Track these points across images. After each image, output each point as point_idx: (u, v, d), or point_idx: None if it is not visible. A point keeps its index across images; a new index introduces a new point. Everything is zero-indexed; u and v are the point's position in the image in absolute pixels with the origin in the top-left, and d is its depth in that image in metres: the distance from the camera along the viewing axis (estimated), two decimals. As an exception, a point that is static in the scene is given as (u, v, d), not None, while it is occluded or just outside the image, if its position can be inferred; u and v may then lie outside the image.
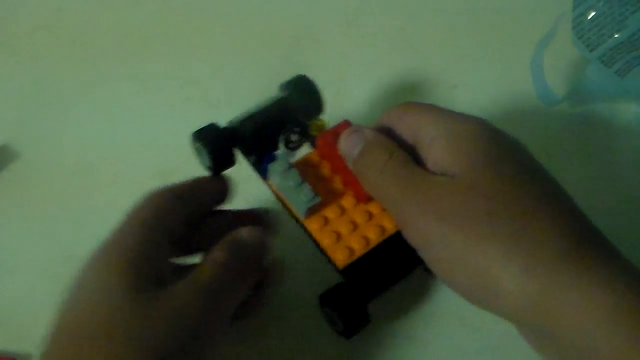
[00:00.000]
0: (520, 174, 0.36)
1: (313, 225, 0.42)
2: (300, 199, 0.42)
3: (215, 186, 0.43)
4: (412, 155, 0.40)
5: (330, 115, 0.56)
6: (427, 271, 0.45)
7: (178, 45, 0.62)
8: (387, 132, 0.41)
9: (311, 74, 0.54)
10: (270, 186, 0.44)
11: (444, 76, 0.58)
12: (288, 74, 0.54)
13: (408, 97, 0.57)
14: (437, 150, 0.38)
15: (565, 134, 0.54)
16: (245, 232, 0.40)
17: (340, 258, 0.41)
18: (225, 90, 0.59)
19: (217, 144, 0.44)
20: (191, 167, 0.54)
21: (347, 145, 0.41)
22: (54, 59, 0.62)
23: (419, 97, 0.57)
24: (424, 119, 0.39)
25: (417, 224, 0.37)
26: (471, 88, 0.57)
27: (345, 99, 0.57)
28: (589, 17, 0.50)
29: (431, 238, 0.36)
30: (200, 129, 0.44)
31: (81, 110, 0.58)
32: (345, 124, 0.44)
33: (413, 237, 0.37)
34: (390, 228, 0.42)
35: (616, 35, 0.50)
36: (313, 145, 0.45)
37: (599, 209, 0.50)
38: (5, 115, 0.58)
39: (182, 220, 0.40)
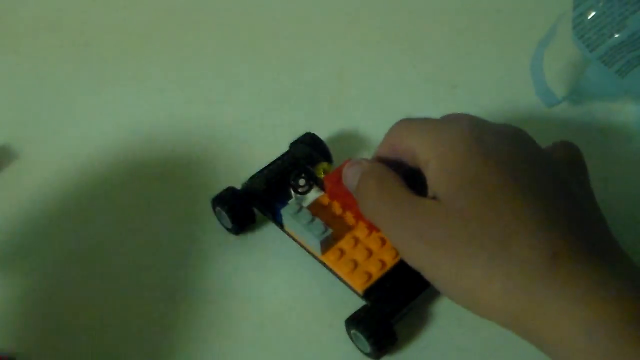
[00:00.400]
0: (502, 189, 0.37)
1: (330, 258, 0.45)
2: (312, 234, 0.44)
3: None
4: (415, 178, 0.41)
5: (330, 117, 0.56)
6: None
7: (178, 45, 0.62)
8: (391, 154, 0.43)
9: (311, 74, 0.55)
10: (287, 233, 0.47)
11: (444, 76, 0.58)
12: (288, 74, 0.54)
13: (408, 97, 0.57)
14: (430, 173, 0.39)
15: (565, 134, 0.54)
16: None
17: (360, 282, 0.44)
18: (225, 90, 0.59)
19: (237, 206, 0.48)
20: (191, 167, 0.54)
21: (348, 178, 0.44)
22: (54, 58, 0.62)
23: (419, 97, 0.57)
24: (418, 141, 0.40)
25: (408, 250, 0.39)
26: (471, 88, 0.57)
27: (345, 99, 0.57)
28: (589, 17, 0.50)
29: (422, 262, 0.39)
30: (219, 194, 0.49)
31: (81, 110, 0.58)
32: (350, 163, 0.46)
33: (408, 260, 0.40)
34: None
35: (616, 35, 0.50)
36: (322, 188, 0.48)
37: (601, 208, 0.50)
38: (5, 115, 0.58)
39: None
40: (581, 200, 0.39)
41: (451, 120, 0.41)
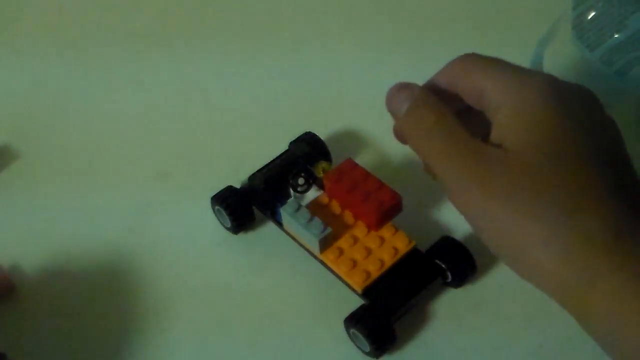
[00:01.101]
0: (575, 158, 0.35)
1: (329, 257, 0.45)
2: (311, 232, 0.44)
3: None
4: (477, 117, 0.39)
5: (329, 116, 0.56)
6: (446, 283, 0.46)
7: (178, 45, 0.62)
8: (449, 87, 0.40)
9: (311, 74, 0.55)
10: (287, 232, 0.47)
11: (444, 76, 0.58)
12: (288, 74, 0.54)
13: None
14: (500, 120, 0.37)
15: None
16: None
17: (358, 281, 0.44)
18: (225, 90, 0.59)
19: (236, 205, 0.48)
20: (191, 167, 0.54)
21: (394, 103, 0.40)
22: (54, 58, 0.62)
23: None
24: (490, 82, 0.38)
25: (462, 195, 0.36)
26: (471, 88, 0.57)
27: (345, 99, 0.57)
28: (589, 17, 0.50)
29: (476, 210, 0.36)
30: (219, 193, 0.49)
31: (81, 110, 0.58)
32: (349, 162, 0.47)
33: (457, 206, 0.37)
34: (402, 248, 0.45)
35: (616, 35, 0.50)
36: (321, 187, 0.47)
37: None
38: (6, 115, 0.58)
39: None
40: (635, 173, 0.38)
41: (529, 70, 0.39)
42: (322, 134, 0.52)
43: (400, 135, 0.41)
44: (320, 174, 0.47)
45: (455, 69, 0.40)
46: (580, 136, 0.36)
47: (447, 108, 0.38)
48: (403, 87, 0.40)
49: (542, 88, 0.37)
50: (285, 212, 0.46)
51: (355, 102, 0.57)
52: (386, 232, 0.45)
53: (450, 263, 0.45)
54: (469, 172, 0.36)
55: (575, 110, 0.37)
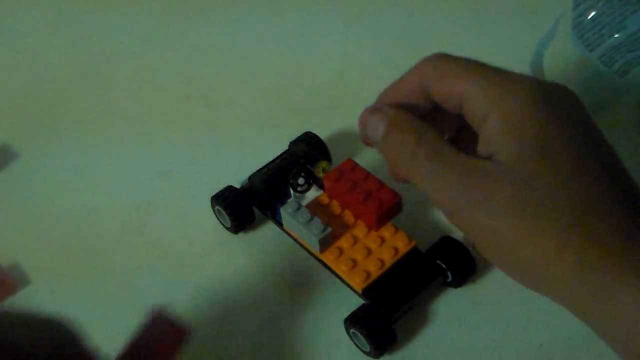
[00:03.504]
0: (577, 162, 0.34)
1: (329, 257, 0.45)
2: (311, 232, 0.44)
3: None
4: (455, 126, 0.38)
5: (329, 116, 0.56)
6: (446, 283, 0.46)
7: (178, 45, 0.62)
8: (421, 88, 0.38)
9: (311, 74, 0.55)
10: (287, 232, 0.47)
11: (444, 76, 0.58)
12: (288, 73, 0.54)
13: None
14: (488, 130, 0.35)
15: (565, 134, 0.54)
16: None
17: (358, 281, 0.44)
18: (225, 90, 0.59)
19: (236, 205, 0.48)
20: (191, 167, 0.54)
21: (370, 128, 0.38)
22: (54, 58, 0.62)
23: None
24: (470, 89, 0.35)
25: (461, 215, 0.35)
26: (471, 88, 0.57)
27: (345, 98, 0.57)
28: (589, 17, 0.50)
29: (479, 228, 0.34)
30: (219, 193, 0.49)
31: (81, 110, 0.58)
32: (349, 162, 0.47)
33: (457, 225, 0.36)
34: (403, 247, 0.45)
35: (616, 35, 0.50)
36: (321, 187, 0.47)
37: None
38: (5, 115, 0.58)
39: None
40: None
41: (507, 72, 0.36)
42: (322, 134, 0.52)
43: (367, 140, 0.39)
44: (320, 174, 0.47)
45: (426, 71, 0.38)
46: (573, 140, 0.35)
47: (426, 125, 0.37)
48: (374, 111, 0.38)
49: (528, 93, 0.35)
50: (285, 212, 0.46)
51: (355, 102, 0.57)
52: (386, 232, 0.45)
53: (450, 263, 0.45)
54: (464, 190, 0.34)
55: (563, 113, 0.35)
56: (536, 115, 0.34)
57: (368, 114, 0.39)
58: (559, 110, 0.35)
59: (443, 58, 0.38)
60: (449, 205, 0.35)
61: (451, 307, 0.46)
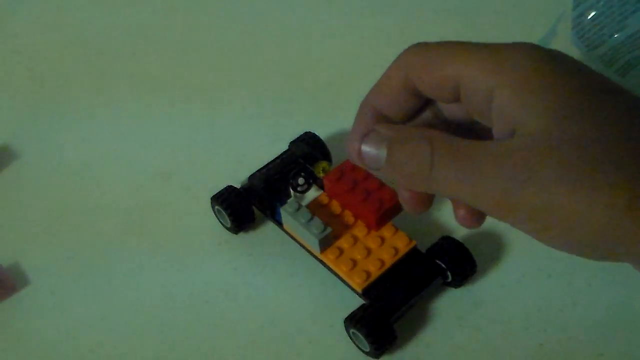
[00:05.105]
0: (611, 108, 0.31)
1: (329, 257, 0.45)
2: (311, 232, 0.44)
3: None
4: (457, 115, 0.35)
5: (329, 116, 0.56)
6: (446, 283, 0.46)
7: (178, 45, 0.62)
8: (408, 88, 0.35)
9: (311, 74, 0.55)
10: (286, 232, 0.47)
11: (444, 76, 0.58)
12: (288, 73, 0.54)
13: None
14: (500, 106, 0.31)
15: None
16: None
17: (358, 281, 0.44)
18: (225, 91, 0.59)
19: (236, 205, 0.48)
20: (191, 167, 0.54)
21: (367, 158, 0.34)
22: (53, 58, 0.62)
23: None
24: (467, 67, 0.32)
25: (508, 202, 0.31)
26: (471, 88, 0.57)
27: (345, 99, 0.57)
28: (589, 17, 0.50)
29: (533, 211, 0.31)
30: (219, 193, 0.49)
31: (81, 110, 0.58)
32: (349, 162, 0.45)
33: (506, 217, 0.32)
34: (402, 247, 0.45)
35: (616, 35, 0.50)
36: (320, 187, 0.47)
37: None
38: (5, 115, 0.58)
39: None
40: None
41: (498, 44, 0.33)
42: (322, 134, 0.52)
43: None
44: (320, 174, 0.47)
45: (410, 61, 0.35)
46: (593, 89, 0.32)
47: (430, 130, 0.34)
48: (366, 136, 0.34)
49: (529, 56, 0.32)
50: (285, 212, 0.46)
51: (355, 102, 0.57)
52: (386, 232, 0.45)
53: (450, 263, 0.45)
54: (503, 177, 0.31)
55: (570, 67, 0.32)
56: (546, 75, 0.31)
57: (359, 141, 0.34)
58: (564, 65, 0.32)
59: (424, 45, 0.34)
60: (491, 200, 0.31)
61: (451, 307, 0.46)
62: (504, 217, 0.32)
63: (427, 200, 0.35)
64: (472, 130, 0.35)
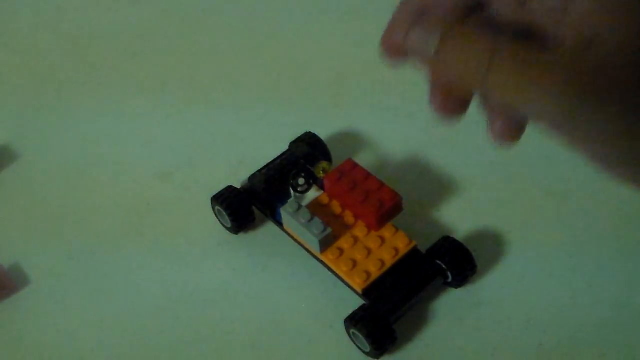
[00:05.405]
0: None
1: (329, 257, 0.45)
2: (311, 232, 0.44)
3: None
4: (510, 18, 0.30)
5: (329, 116, 0.56)
6: (446, 283, 0.46)
7: (178, 45, 0.62)
8: None
9: (311, 74, 0.55)
10: (287, 232, 0.47)
11: (444, 76, 0.58)
12: (288, 74, 0.54)
13: (407, 97, 0.57)
14: (580, 11, 0.28)
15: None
16: None
17: (358, 281, 0.44)
18: (225, 91, 0.59)
19: (236, 205, 0.48)
20: (191, 167, 0.54)
21: (416, 41, 0.30)
22: (54, 58, 0.62)
23: (419, 96, 0.57)
24: None
25: (589, 103, 0.28)
26: (471, 88, 0.57)
27: (345, 99, 0.57)
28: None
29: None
30: (219, 193, 0.49)
31: (81, 110, 0.58)
32: (349, 162, 0.47)
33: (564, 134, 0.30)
34: (402, 247, 0.45)
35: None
36: (320, 187, 0.48)
37: (601, 209, 0.50)
38: (5, 115, 0.58)
39: None
40: None
41: None
42: (322, 134, 0.52)
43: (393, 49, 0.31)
44: (320, 174, 0.47)
45: None
46: None
47: (491, 28, 0.30)
48: (418, 20, 0.30)
49: None
50: (285, 212, 0.46)
51: (355, 102, 0.57)
52: (386, 232, 0.45)
53: (450, 263, 0.45)
54: (580, 77, 0.27)
55: None
56: None
57: (409, 24, 0.30)
58: None
59: None
60: (558, 114, 0.28)
61: (451, 307, 0.46)
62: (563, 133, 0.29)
63: (521, 130, 0.31)
64: (527, 38, 0.30)
